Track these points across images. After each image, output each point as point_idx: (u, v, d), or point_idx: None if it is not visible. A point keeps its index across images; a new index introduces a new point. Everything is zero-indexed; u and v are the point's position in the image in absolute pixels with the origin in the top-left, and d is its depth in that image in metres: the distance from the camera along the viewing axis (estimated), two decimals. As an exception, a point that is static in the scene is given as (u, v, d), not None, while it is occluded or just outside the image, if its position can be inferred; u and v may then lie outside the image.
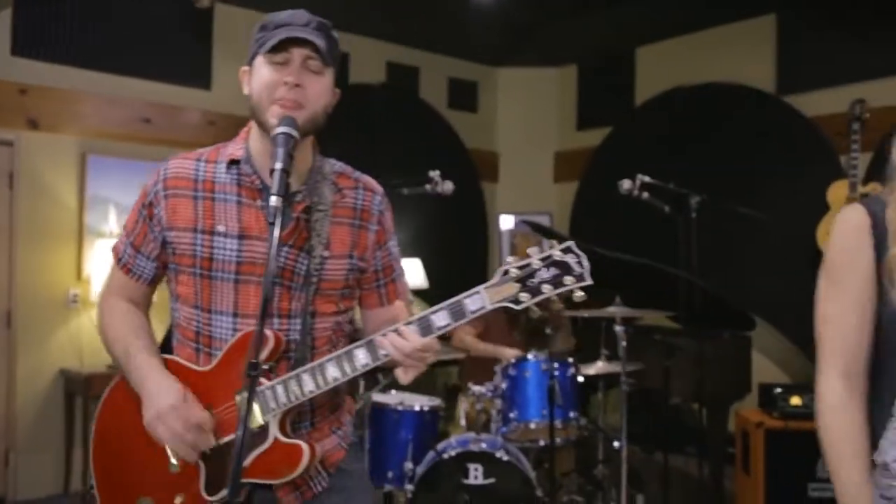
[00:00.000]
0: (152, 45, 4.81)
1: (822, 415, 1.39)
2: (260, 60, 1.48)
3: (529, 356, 3.40)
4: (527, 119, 6.65)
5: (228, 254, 1.49)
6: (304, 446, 1.42)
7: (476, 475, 3.11)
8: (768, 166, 5.08)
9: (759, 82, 5.21)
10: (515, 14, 5.79)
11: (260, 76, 1.48)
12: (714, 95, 5.45)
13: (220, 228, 1.50)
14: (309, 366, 1.43)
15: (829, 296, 1.43)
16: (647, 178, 3.49)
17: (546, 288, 1.36)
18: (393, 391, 3.82)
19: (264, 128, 1.47)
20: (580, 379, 3.45)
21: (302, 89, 1.45)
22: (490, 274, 1.42)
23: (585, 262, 1.36)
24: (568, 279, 1.36)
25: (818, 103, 4.92)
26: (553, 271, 1.36)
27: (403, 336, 1.38)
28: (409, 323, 1.39)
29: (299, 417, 1.52)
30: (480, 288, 1.38)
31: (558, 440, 3.38)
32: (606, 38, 6.01)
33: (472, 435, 3.27)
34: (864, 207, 1.40)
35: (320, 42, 1.45)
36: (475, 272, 6.16)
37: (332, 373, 1.42)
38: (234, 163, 1.53)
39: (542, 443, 3.43)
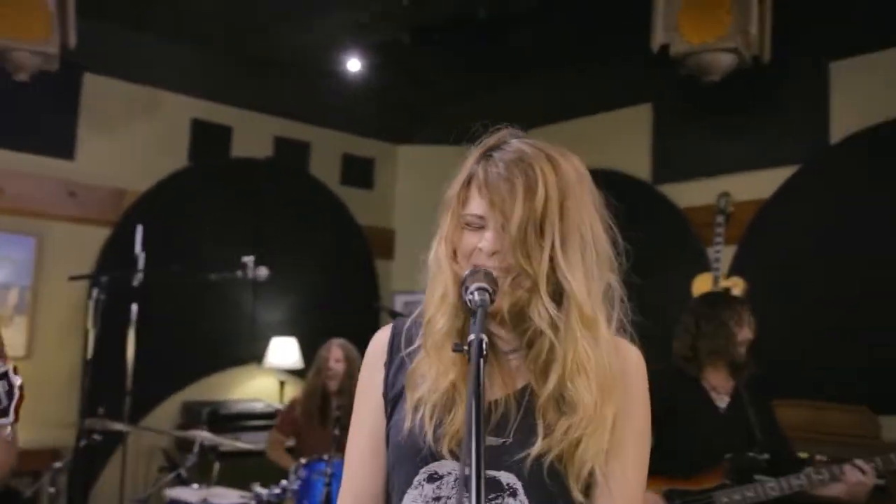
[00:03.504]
0: (10, 112, 4.67)
1: None
2: None
3: (325, 456, 3.19)
4: (425, 196, 6.51)
5: None
6: None
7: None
8: (646, 256, 4.95)
9: (638, 170, 5.15)
10: (411, 94, 5.76)
11: None
12: (598, 181, 5.37)
13: None
14: None
15: (353, 431, 1.32)
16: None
17: None
18: (195, 485, 3.57)
19: None
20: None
21: None
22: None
23: (17, 392, 1.17)
24: None
25: (688, 194, 4.85)
26: None
27: None
28: None
29: None
30: None
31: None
32: (501, 119, 5.95)
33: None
34: (392, 326, 1.33)
35: None
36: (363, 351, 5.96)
37: None
38: None
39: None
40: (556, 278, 1.14)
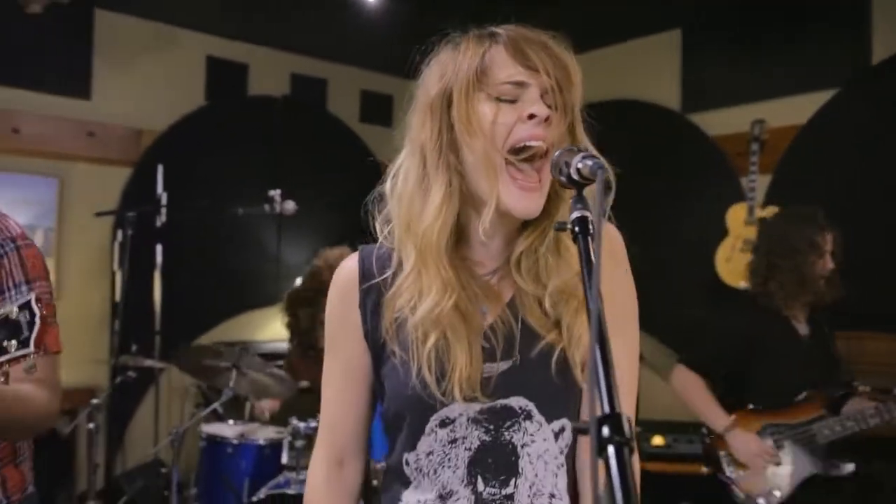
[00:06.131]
0: (23, 51, 4.56)
1: (306, 494, 1.26)
2: None
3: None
4: (445, 134, 6.41)
5: None
6: None
7: (289, 520, 2.87)
8: (674, 187, 4.85)
9: (666, 99, 5.00)
10: (426, 25, 5.57)
11: None
12: (622, 111, 5.23)
13: None
14: None
15: (326, 367, 1.26)
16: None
17: None
18: (231, 421, 3.56)
19: None
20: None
21: None
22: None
23: (38, 322, 1.10)
24: (11, 344, 1.09)
25: (720, 122, 4.71)
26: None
27: None
28: None
29: None
30: None
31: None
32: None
33: (294, 475, 3.03)
34: (359, 253, 1.25)
35: None
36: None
37: None
38: None
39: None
40: None
